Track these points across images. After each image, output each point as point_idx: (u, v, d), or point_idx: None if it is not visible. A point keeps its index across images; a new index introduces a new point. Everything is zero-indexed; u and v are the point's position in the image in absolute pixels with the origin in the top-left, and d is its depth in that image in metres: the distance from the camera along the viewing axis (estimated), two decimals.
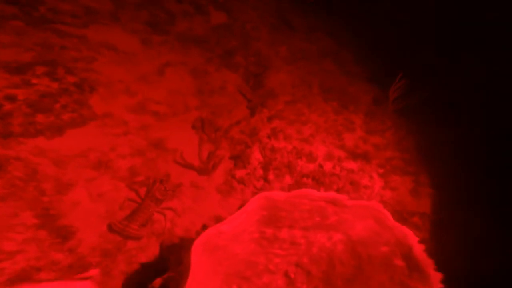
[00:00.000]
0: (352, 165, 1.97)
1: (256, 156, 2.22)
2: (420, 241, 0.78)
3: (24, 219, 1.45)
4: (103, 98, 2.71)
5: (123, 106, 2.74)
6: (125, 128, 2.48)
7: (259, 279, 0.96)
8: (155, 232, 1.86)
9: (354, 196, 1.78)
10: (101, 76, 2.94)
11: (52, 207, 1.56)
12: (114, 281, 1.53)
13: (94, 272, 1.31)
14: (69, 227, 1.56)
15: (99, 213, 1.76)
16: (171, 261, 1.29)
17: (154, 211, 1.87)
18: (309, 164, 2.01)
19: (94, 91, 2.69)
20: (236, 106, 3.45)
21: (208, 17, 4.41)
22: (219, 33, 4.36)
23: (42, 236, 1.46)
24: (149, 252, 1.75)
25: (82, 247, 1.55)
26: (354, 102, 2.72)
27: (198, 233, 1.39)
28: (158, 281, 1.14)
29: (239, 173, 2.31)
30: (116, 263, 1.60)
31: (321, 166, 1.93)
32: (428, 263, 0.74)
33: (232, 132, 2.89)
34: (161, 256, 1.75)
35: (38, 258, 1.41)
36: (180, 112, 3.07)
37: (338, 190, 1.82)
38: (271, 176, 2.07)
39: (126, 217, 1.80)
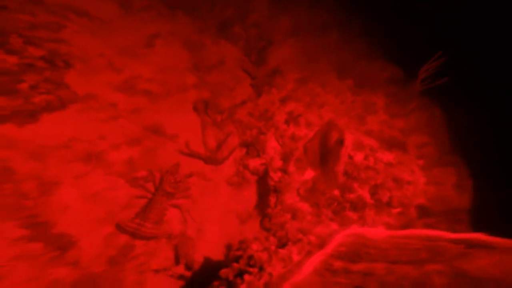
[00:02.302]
0: (387, 156, 1.80)
1: (272, 144, 1.99)
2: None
3: (7, 231, 1.13)
4: (82, 75, 2.27)
5: (108, 84, 2.32)
6: (113, 111, 2.11)
7: None
8: (164, 233, 1.62)
9: (396, 194, 1.63)
10: (74, 48, 2.44)
11: (39, 213, 1.25)
12: None
13: None
14: (67, 236, 1.27)
15: (96, 215, 1.48)
16: None
17: (167, 206, 1.64)
18: None
19: (70, 67, 2.23)
20: (238, 84, 3.12)
21: None
22: None
23: (37, 250, 1.17)
24: (161, 257, 1.52)
25: (85, 257, 1.28)
26: (370, 81, 2.50)
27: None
28: None
29: (253, 162, 2.07)
30: (125, 272, 1.36)
31: (350, 157, 1.74)
32: None
33: (239, 115, 2.60)
34: (177, 260, 1.53)
35: (35, 279, 1.12)
36: (176, 91, 2.70)
37: (377, 186, 1.65)
38: (291, 168, 1.86)
39: (137, 215, 1.56)
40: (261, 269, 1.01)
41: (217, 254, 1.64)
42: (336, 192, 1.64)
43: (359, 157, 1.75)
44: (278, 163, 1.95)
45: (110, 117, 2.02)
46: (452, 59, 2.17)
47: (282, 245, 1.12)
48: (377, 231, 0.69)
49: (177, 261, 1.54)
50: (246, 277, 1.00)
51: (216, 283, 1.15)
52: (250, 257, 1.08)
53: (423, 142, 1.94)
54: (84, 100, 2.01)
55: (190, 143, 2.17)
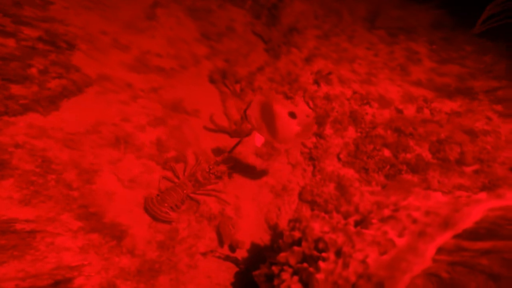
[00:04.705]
0: (449, 105, 1.61)
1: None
2: None
3: (66, 223, 1.12)
4: (90, 56, 2.12)
5: (119, 64, 2.18)
6: (131, 92, 2.00)
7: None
8: (204, 214, 1.59)
9: (469, 149, 1.44)
10: (73, 27, 2.25)
11: (88, 203, 1.23)
12: (185, 276, 1.31)
13: None
14: (118, 225, 1.26)
15: (138, 201, 1.45)
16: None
17: (188, 193, 1.56)
18: (382, 110, 1.65)
19: (74, 48, 2.07)
20: (252, 50, 2.91)
21: None
22: None
23: (96, 240, 1.16)
24: (206, 239, 1.51)
25: (138, 244, 1.28)
26: (408, 29, 2.22)
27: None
28: None
29: None
30: (177, 255, 1.36)
31: (399, 111, 1.57)
32: None
33: (258, 82, 2.44)
34: (220, 241, 1.52)
35: (106, 269, 1.13)
36: (189, 64, 2.54)
37: (440, 142, 1.47)
38: (328, 131, 1.74)
39: (157, 195, 1.50)
40: (338, 254, 0.84)
41: (258, 232, 1.62)
42: (387, 153, 1.51)
43: (410, 110, 1.56)
44: None
45: (129, 97, 1.92)
46: None
47: (355, 223, 0.95)
48: None
49: (220, 243, 1.52)
50: (322, 264, 0.84)
51: (274, 268, 1.03)
52: (318, 240, 0.91)
53: (493, 87, 1.67)
54: (98, 82, 1.90)
55: (214, 117, 2.07)
